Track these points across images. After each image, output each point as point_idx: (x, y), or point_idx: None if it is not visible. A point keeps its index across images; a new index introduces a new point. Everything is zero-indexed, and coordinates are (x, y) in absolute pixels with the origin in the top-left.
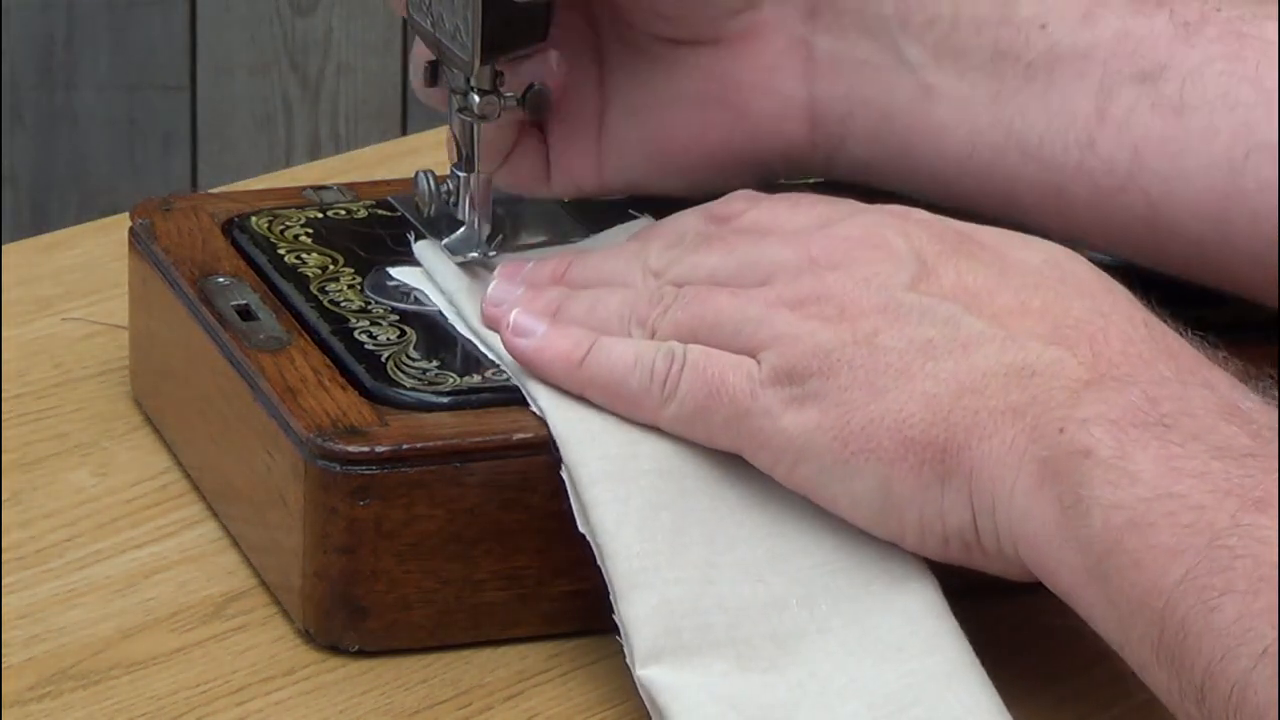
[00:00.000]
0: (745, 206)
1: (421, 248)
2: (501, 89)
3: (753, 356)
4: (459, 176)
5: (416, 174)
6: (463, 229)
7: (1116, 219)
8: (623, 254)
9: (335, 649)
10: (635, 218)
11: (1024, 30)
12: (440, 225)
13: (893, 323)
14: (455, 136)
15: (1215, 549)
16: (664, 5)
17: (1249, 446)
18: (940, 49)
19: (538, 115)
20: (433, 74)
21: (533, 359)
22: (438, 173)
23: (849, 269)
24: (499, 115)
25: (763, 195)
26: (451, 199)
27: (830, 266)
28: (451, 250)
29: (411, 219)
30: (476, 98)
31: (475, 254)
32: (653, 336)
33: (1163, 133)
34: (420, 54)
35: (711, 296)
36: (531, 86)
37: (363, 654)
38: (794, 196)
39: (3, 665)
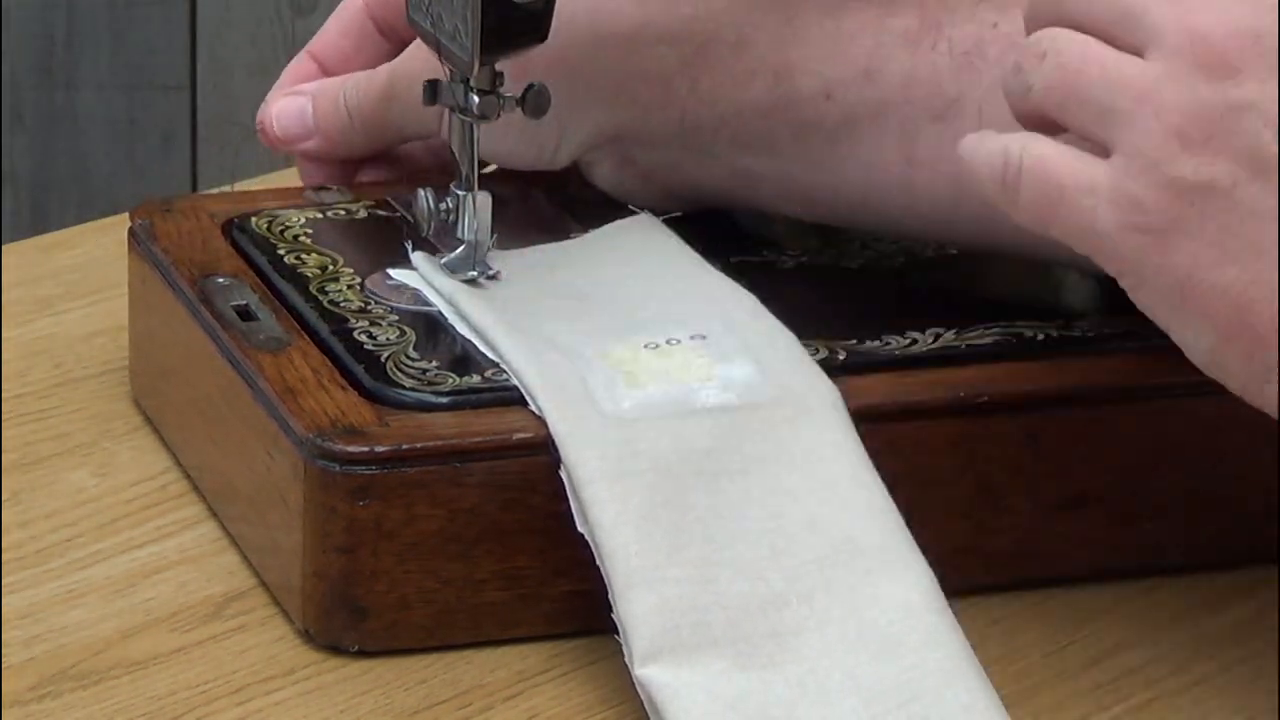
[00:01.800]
0: None
1: (419, 258)
2: (500, 89)
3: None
4: (459, 195)
5: (416, 191)
6: (462, 248)
7: (955, 239)
8: None
9: (335, 649)
10: (635, 214)
11: (811, 105)
12: (440, 242)
13: (1257, 178)
14: (454, 154)
15: None
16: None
17: None
18: (738, 140)
19: (538, 115)
20: (432, 92)
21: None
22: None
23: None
24: (498, 115)
25: None
26: (451, 217)
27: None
28: (450, 269)
29: (408, 216)
30: (476, 98)
31: (474, 273)
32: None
33: None
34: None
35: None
36: (531, 86)
37: (363, 654)
38: None
39: (3, 665)
